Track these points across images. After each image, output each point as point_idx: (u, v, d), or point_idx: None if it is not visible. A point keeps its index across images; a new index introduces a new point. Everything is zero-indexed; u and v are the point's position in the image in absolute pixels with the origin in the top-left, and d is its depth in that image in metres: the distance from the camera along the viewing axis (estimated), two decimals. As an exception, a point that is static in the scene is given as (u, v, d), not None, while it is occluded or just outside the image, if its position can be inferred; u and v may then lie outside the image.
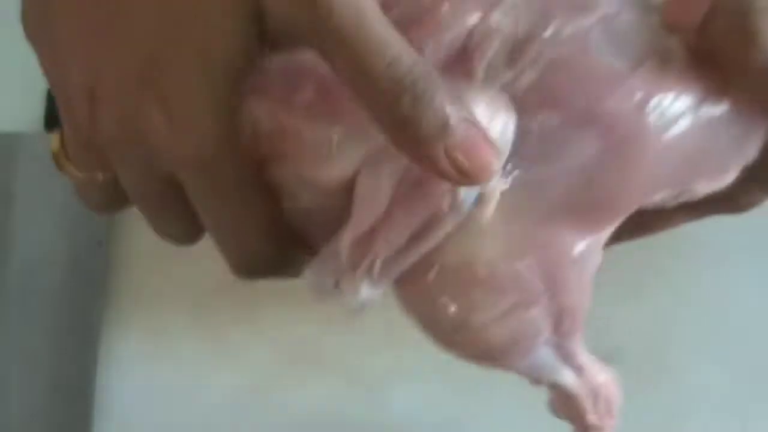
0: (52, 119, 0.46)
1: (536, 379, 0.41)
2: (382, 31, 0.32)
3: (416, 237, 0.35)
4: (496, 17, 0.35)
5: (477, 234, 0.35)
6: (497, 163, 0.33)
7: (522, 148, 0.35)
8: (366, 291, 0.35)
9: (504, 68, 0.35)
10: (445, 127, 0.31)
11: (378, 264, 0.34)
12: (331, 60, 0.32)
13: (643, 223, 0.43)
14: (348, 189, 0.36)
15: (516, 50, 0.35)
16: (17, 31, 0.47)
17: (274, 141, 0.35)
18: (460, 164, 0.32)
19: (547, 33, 0.35)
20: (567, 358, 0.40)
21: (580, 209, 0.37)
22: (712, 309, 0.50)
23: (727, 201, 0.41)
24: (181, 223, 0.37)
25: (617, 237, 0.44)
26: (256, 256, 0.37)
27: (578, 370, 0.41)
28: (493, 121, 0.33)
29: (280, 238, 0.37)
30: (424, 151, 0.32)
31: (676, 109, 0.36)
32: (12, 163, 0.49)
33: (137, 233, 0.50)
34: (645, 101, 0.36)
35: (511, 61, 0.35)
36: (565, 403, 0.42)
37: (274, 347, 0.45)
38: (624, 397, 0.46)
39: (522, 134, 0.34)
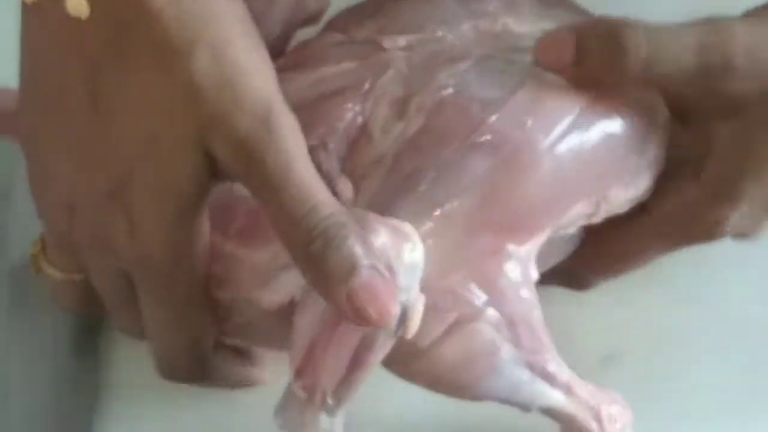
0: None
1: (525, 406, 0.41)
2: (307, 182, 0.36)
3: (355, 362, 0.37)
4: (381, 86, 0.41)
5: None
6: (395, 309, 0.36)
7: (423, 183, 0.39)
8: (326, 421, 0.38)
9: (395, 122, 0.40)
10: (350, 272, 0.35)
11: (329, 396, 0.38)
12: (259, 201, 0.37)
13: (620, 258, 0.45)
14: (290, 308, 0.40)
15: (403, 105, 0.41)
16: (16, 28, 0.47)
17: (216, 264, 0.40)
18: (359, 309, 0.35)
19: (428, 84, 0.41)
20: (548, 377, 0.41)
21: (495, 222, 0.40)
22: (712, 309, 0.50)
23: (701, 227, 0.44)
24: (134, 319, 0.42)
25: (603, 274, 0.45)
26: (177, 364, 0.43)
27: (566, 388, 0.41)
28: (401, 249, 0.36)
29: (203, 355, 0.43)
30: (329, 292, 0.35)
31: (559, 124, 0.40)
32: (10, 164, 0.49)
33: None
34: (523, 119, 0.40)
35: (401, 115, 0.40)
36: (571, 430, 0.42)
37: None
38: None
39: (423, 170, 0.39)
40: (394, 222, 0.37)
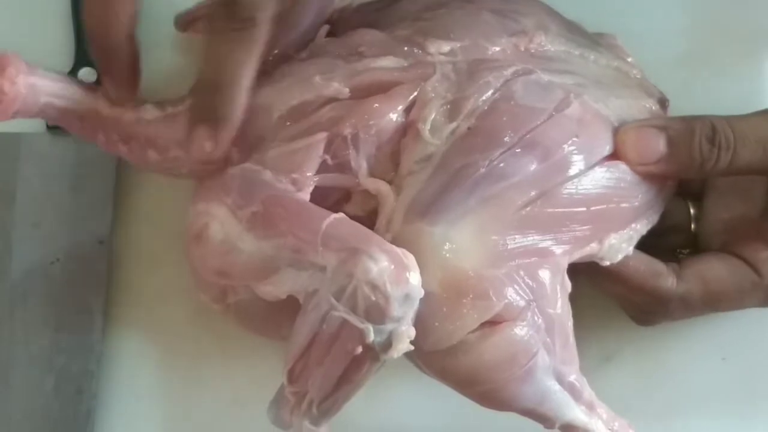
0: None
1: (549, 420, 0.41)
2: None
3: (343, 381, 0.39)
4: (429, 88, 0.42)
5: (454, 252, 0.40)
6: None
7: (473, 178, 0.40)
8: (308, 427, 0.40)
9: (446, 122, 0.42)
10: None
11: (314, 407, 0.39)
12: None
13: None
14: (286, 303, 0.41)
15: (453, 108, 0.42)
16: (18, 31, 0.47)
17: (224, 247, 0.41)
18: None
19: (476, 90, 0.42)
20: (574, 391, 0.41)
21: (543, 222, 0.41)
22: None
23: None
24: None
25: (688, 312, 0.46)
26: None
27: (588, 406, 0.41)
28: (399, 278, 0.37)
29: None
30: None
31: (600, 152, 0.42)
32: (13, 163, 0.49)
33: (138, 232, 0.50)
34: (574, 133, 0.42)
35: (452, 116, 0.42)
36: None
37: (276, 344, 0.45)
38: (623, 397, 0.46)
39: (473, 166, 0.40)
40: (398, 250, 0.38)
